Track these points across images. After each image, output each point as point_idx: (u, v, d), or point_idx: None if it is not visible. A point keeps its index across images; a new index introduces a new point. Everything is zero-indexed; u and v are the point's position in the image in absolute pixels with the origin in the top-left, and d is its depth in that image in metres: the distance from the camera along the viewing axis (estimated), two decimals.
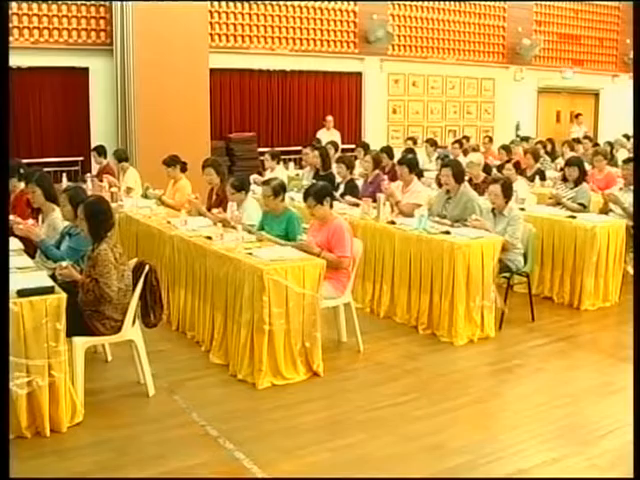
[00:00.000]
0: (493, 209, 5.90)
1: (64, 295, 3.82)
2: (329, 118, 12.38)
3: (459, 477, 3.51)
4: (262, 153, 9.97)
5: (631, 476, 2.78)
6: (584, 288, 6.13)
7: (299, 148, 10.47)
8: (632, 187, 6.68)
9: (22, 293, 3.73)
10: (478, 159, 7.74)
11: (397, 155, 8.51)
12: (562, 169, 7.74)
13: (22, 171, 6.31)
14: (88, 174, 8.49)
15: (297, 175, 9.43)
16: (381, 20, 12.57)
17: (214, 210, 6.15)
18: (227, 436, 3.82)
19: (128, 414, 4.11)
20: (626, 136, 12.50)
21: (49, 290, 3.83)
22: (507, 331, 5.59)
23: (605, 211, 6.97)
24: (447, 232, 5.54)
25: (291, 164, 10.63)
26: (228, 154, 11.44)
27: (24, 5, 9.75)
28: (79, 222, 4.35)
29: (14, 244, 4.88)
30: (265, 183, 5.59)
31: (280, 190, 5.45)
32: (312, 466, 3.56)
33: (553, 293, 6.41)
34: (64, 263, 4.23)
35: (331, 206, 5.19)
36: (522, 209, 6.41)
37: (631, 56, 15.30)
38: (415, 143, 11.45)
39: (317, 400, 4.38)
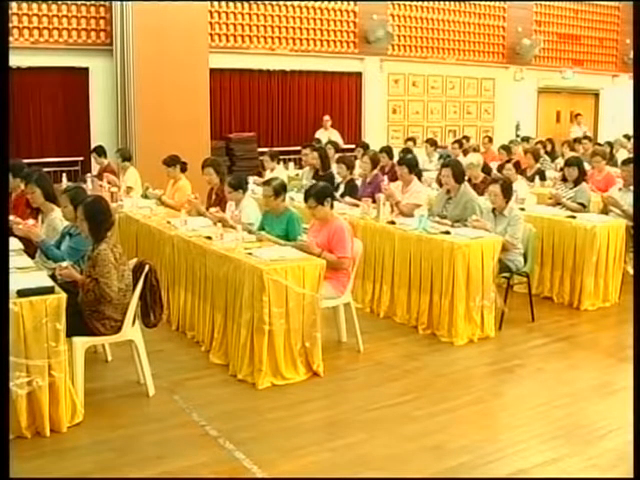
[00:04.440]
0: (494, 209, 5.90)
1: (64, 295, 3.83)
2: (326, 118, 12.38)
3: (459, 477, 3.51)
4: (262, 153, 9.96)
5: (631, 476, 2.77)
6: (584, 288, 6.14)
7: (299, 148, 10.47)
8: (631, 188, 6.68)
9: (22, 293, 3.73)
10: (478, 160, 7.73)
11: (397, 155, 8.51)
12: (562, 169, 7.74)
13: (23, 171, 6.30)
14: (88, 174, 8.49)
15: (297, 175, 9.43)
16: (381, 20, 12.58)
17: (212, 209, 6.14)
18: (227, 436, 3.82)
19: (128, 414, 4.11)
20: (627, 136, 12.49)
21: (49, 290, 3.83)
22: (507, 331, 5.59)
23: (605, 212, 6.97)
24: (447, 232, 5.54)
25: (291, 164, 10.63)
26: (228, 154, 11.44)
27: (24, 5, 9.76)
28: (79, 223, 4.34)
29: (14, 244, 4.87)
30: (266, 183, 5.59)
31: (281, 190, 5.45)
32: (312, 466, 3.56)
33: (553, 293, 6.41)
34: (64, 263, 4.23)
35: (332, 207, 5.20)
36: (522, 209, 6.41)
37: (631, 56, 15.31)
38: (415, 143, 11.46)
39: (317, 400, 4.38)
